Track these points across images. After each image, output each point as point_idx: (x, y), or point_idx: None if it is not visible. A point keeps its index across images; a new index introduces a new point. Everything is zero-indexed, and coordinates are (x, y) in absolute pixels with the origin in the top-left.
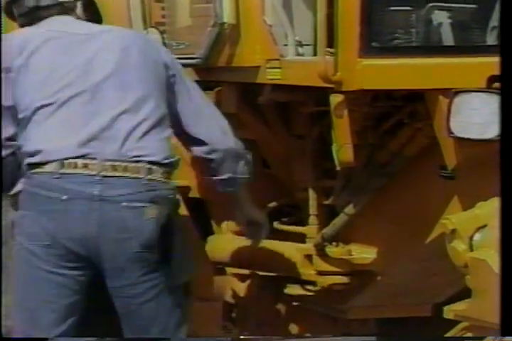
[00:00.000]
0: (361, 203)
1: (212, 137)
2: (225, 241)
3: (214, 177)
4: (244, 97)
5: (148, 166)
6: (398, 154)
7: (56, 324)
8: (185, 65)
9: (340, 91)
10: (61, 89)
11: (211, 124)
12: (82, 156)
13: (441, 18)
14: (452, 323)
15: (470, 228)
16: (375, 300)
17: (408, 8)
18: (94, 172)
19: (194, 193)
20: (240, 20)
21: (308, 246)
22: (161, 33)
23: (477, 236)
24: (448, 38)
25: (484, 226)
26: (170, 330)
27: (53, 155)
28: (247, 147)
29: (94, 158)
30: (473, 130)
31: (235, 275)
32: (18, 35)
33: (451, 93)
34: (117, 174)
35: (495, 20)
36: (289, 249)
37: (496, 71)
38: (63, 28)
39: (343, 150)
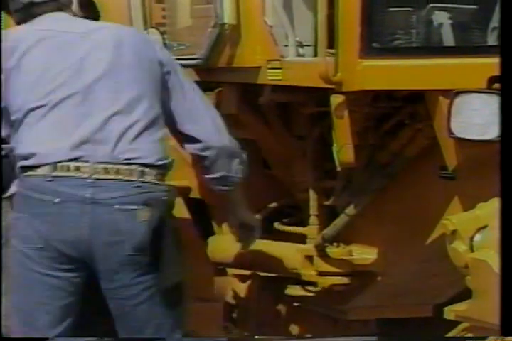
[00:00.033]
0: (362, 204)
1: (207, 134)
2: (226, 241)
3: (207, 176)
4: (245, 98)
5: (141, 168)
6: (399, 155)
7: (52, 325)
8: (185, 66)
9: (341, 91)
10: (53, 91)
11: (205, 121)
12: (75, 159)
13: (441, 18)
14: (453, 324)
15: (470, 229)
16: (376, 301)
17: (408, 8)
18: (86, 175)
19: (195, 194)
20: (241, 21)
21: (309, 247)
22: (162, 33)
23: (478, 237)
24: (448, 39)
25: (485, 226)
26: (164, 331)
27: (46, 158)
28: (245, 147)
29: (87, 161)
30: (473, 130)
31: (236, 275)
32: (10, 35)
33: (452, 94)
34: (109, 177)
35: (495, 21)
36: (290, 250)
37: (497, 72)
38: (57, 26)
39: (343, 150)
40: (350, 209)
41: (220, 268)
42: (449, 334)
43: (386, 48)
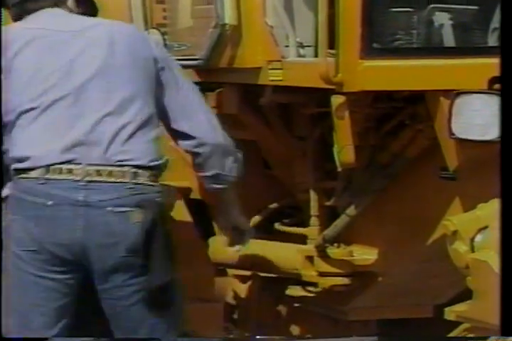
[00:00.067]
0: (362, 204)
1: (201, 130)
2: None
3: (201, 173)
4: (246, 98)
5: (134, 170)
6: (399, 155)
7: (47, 326)
8: (186, 66)
9: (342, 92)
10: (44, 93)
11: (200, 117)
12: (67, 162)
13: (442, 19)
14: (453, 324)
15: (471, 229)
16: (377, 302)
17: (409, 9)
18: (78, 178)
19: (195, 194)
20: (241, 22)
21: (310, 248)
22: (163, 34)
23: (478, 238)
24: (449, 40)
25: (485, 227)
26: (159, 332)
27: (39, 161)
28: (245, 147)
29: (79, 163)
30: (474, 131)
31: (236, 276)
32: (2, 35)
33: (453, 94)
34: (102, 179)
35: (496, 22)
36: (290, 250)
37: (497, 72)
38: (50, 24)
39: (344, 151)
40: (351, 210)
41: (221, 269)
42: (450, 335)
43: (387, 49)
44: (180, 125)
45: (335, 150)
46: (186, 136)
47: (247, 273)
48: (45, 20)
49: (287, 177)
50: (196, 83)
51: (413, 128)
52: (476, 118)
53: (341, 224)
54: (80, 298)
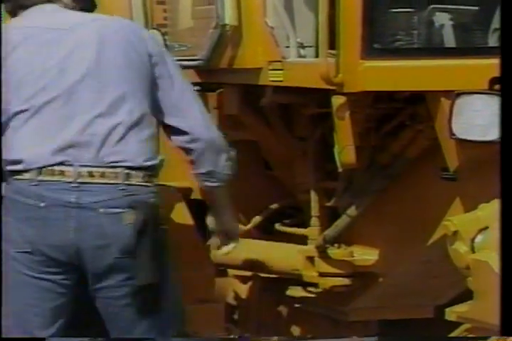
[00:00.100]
0: (363, 205)
1: (195, 126)
2: None
3: (194, 170)
4: (246, 99)
5: (127, 171)
6: (400, 156)
7: (44, 327)
8: (187, 67)
9: (342, 92)
10: (36, 94)
11: (194, 113)
12: (59, 163)
13: (442, 19)
14: (454, 325)
15: (472, 230)
16: (377, 302)
17: (410, 9)
18: (70, 179)
19: (196, 195)
20: (242, 22)
21: (310, 248)
22: (163, 34)
23: (479, 238)
24: (449, 40)
25: (486, 228)
26: (154, 332)
27: (32, 163)
28: (246, 148)
29: (71, 165)
30: (475, 132)
31: (237, 277)
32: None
33: (453, 95)
34: (94, 180)
35: (496, 22)
36: (291, 251)
37: (498, 73)
38: (43, 21)
39: (344, 151)
40: (352, 210)
41: (221, 269)
42: (451, 335)
43: (387, 49)
44: (174, 120)
45: (335, 150)
46: (179, 132)
47: (248, 273)
48: (39, 16)
49: (288, 177)
50: (197, 84)
51: (413, 129)
52: (476, 119)
53: (342, 225)
54: (75, 298)
